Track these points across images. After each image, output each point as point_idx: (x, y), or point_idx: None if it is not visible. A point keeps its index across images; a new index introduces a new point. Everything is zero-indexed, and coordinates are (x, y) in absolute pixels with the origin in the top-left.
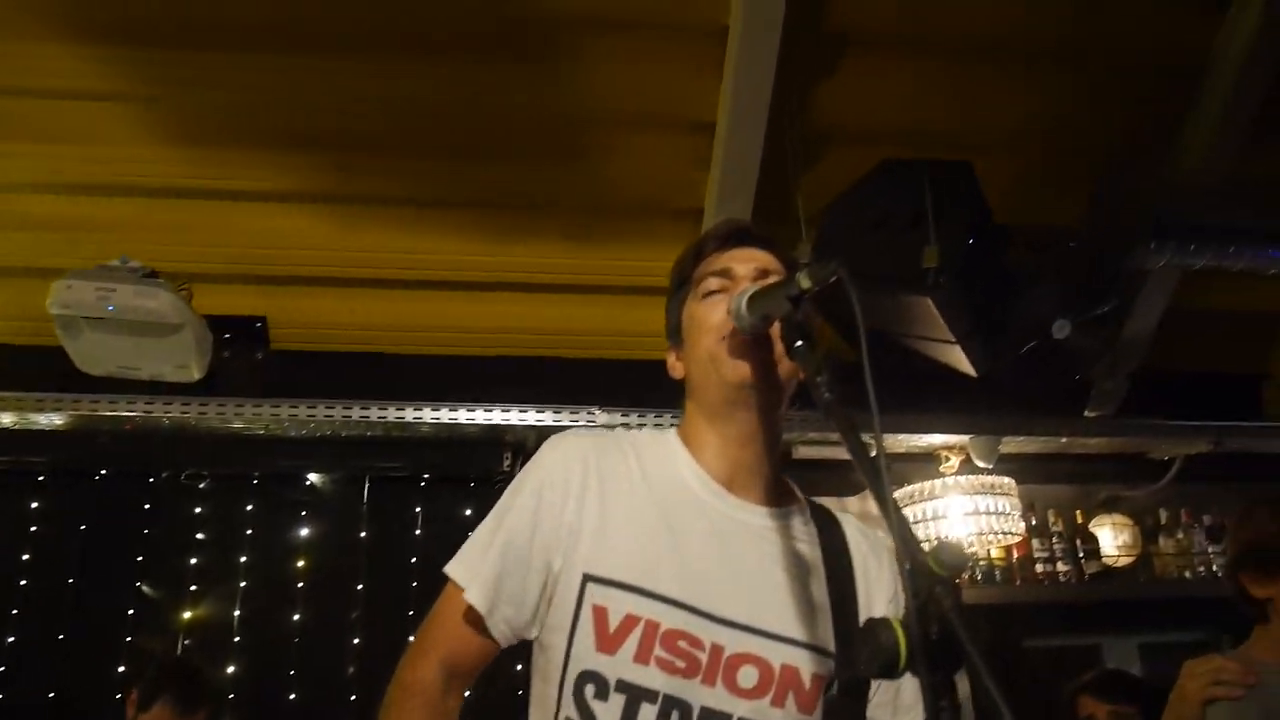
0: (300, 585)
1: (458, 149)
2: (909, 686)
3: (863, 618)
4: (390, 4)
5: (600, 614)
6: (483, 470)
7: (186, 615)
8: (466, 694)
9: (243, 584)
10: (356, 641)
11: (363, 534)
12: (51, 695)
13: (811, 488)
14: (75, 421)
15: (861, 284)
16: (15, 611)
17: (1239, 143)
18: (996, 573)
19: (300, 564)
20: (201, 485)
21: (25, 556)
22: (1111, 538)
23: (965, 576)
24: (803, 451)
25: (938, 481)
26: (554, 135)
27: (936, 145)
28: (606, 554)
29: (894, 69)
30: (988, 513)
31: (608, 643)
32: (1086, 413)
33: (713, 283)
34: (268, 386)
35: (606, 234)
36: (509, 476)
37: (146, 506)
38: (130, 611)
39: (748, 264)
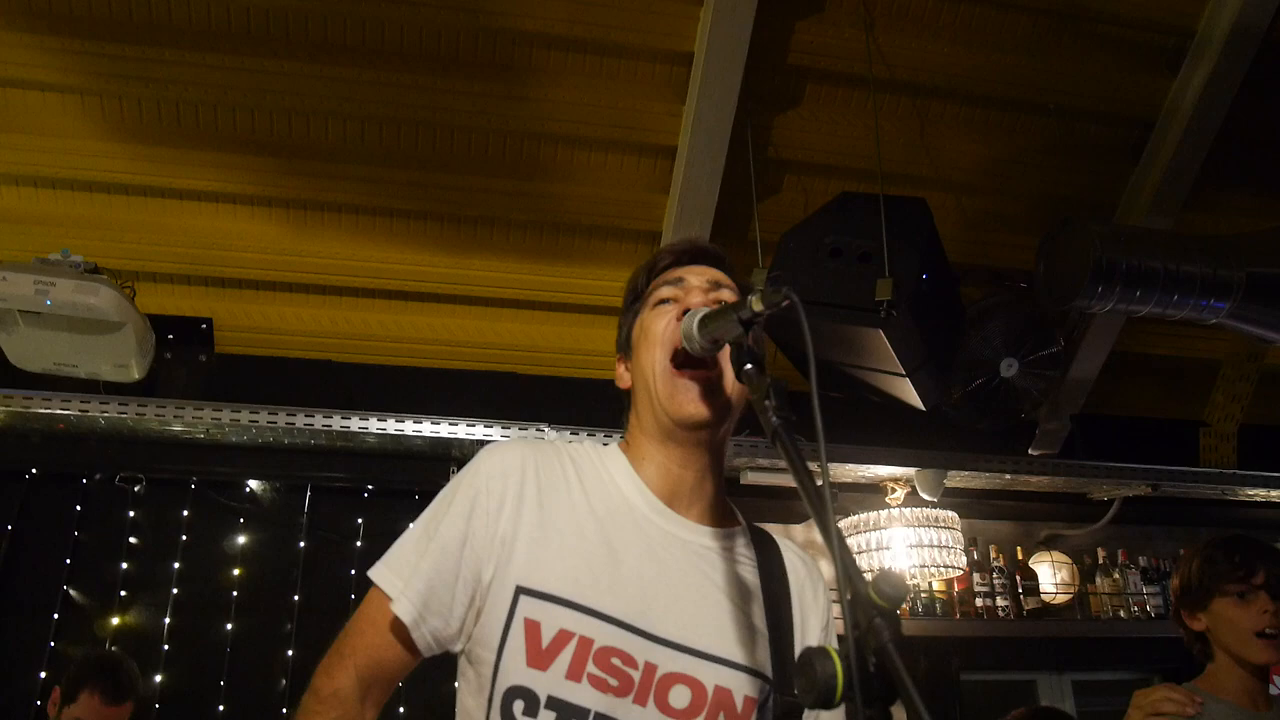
0: (235, 594)
1: (416, 159)
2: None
3: (798, 643)
4: (355, 13)
5: (532, 628)
6: (428, 484)
7: (114, 621)
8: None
9: (174, 591)
10: (290, 654)
11: (302, 544)
12: None
13: (758, 514)
14: (6, 418)
15: (814, 311)
16: None
17: (1184, 196)
18: (937, 605)
19: (236, 573)
20: (136, 489)
21: None
22: (1050, 575)
23: (906, 608)
24: (751, 478)
25: (883, 512)
26: (515, 151)
27: (893, 181)
28: (541, 567)
29: (855, 105)
30: (931, 545)
31: (539, 658)
32: (1030, 451)
33: (665, 291)
34: (210, 389)
35: (563, 252)
36: None
37: (78, 508)
38: (55, 616)
39: (700, 276)
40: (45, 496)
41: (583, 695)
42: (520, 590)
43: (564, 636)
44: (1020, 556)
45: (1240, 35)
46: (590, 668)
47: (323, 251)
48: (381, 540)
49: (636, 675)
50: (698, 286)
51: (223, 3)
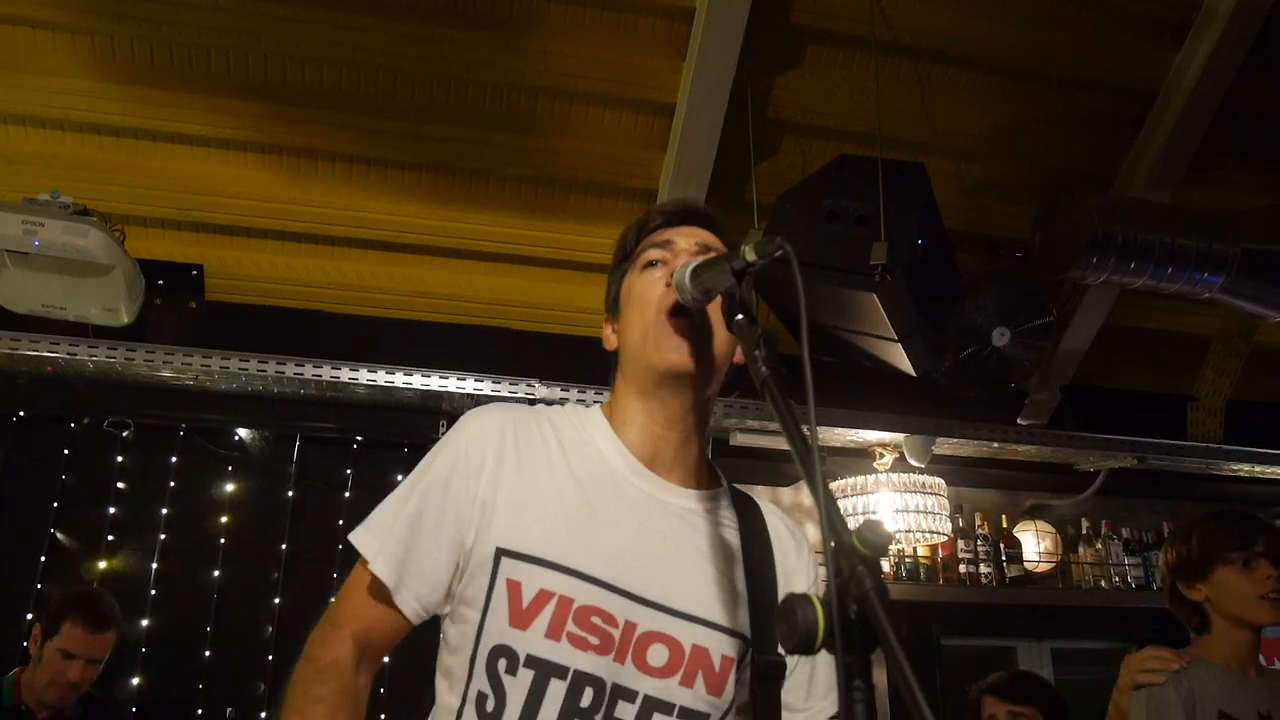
0: (222, 541)
1: (412, 109)
2: (824, 673)
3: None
4: None
5: (514, 589)
6: (417, 436)
7: (101, 565)
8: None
9: (162, 537)
10: (277, 602)
11: (290, 493)
12: None
13: (748, 476)
14: None
15: (809, 274)
16: None
17: (1182, 170)
18: (921, 570)
19: (224, 520)
20: (125, 434)
21: None
22: (1034, 544)
23: (890, 573)
24: (740, 439)
25: (870, 477)
26: (511, 104)
27: (892, 145)
28: (521, 528)
29: (856, 67)
30: (917, 511)
31: (520, 618)
32: (1019, 421)
33: (653, 254)
34: (200, 336)
35: (557, 208)
36: None
37: (66, 453)
38: (42, 559)
39: (690, 239)
40: (33, 440)
41: (562, 653)
42: (501, 552)
43: (544, 596)
44: (1005, 525)
45: (1246, 8)
46: (570, 626)
47: (316, 200)
48: (370, 492)
49: (616, 634)
50: (686, 250)
51: None
